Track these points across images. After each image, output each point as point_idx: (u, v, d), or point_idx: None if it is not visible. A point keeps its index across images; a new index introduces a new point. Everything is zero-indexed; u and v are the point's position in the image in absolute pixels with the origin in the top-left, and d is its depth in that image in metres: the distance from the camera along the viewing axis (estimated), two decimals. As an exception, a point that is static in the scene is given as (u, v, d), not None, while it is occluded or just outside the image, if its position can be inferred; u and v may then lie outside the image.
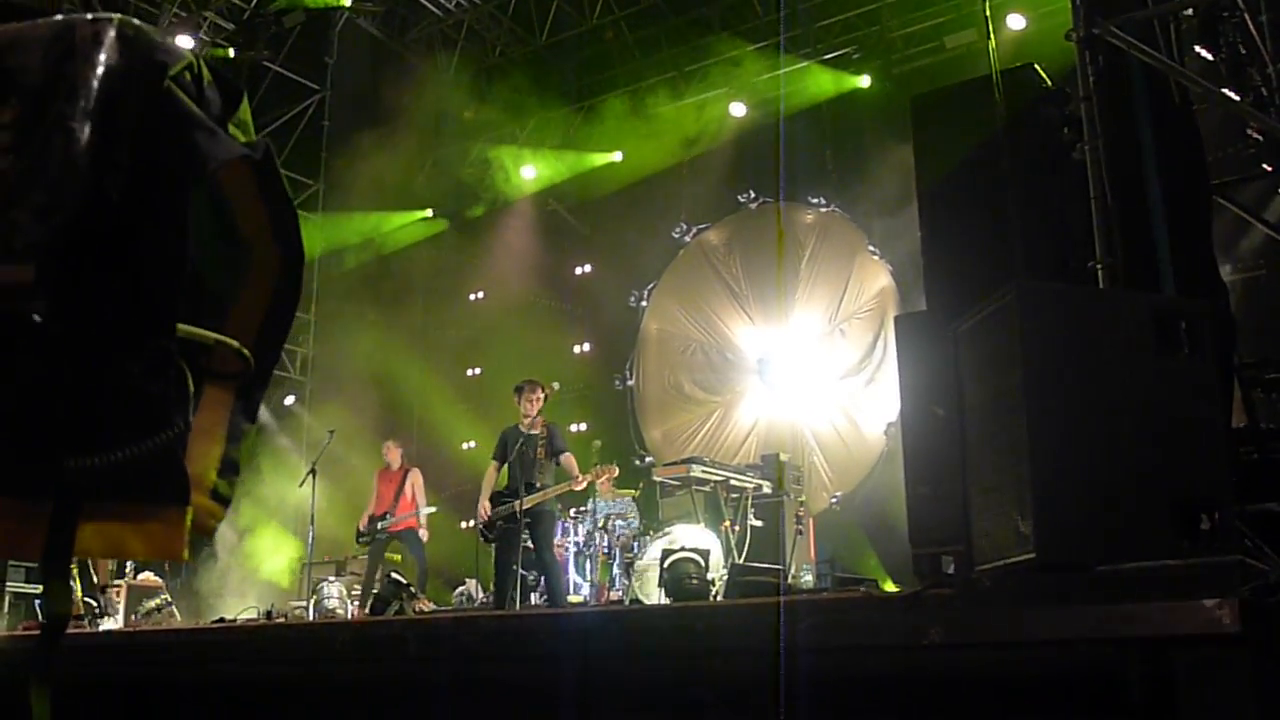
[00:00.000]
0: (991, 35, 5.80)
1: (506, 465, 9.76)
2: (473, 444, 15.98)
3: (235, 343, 1.50)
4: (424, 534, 13.28)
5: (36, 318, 1.28)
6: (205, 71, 1.47)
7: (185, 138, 1.41)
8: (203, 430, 1.47)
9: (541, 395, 9.82)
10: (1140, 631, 2.81)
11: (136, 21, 1.45)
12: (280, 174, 1.56)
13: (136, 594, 12.72)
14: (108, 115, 1.36)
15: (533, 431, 9.64)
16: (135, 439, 1.35)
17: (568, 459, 9.63)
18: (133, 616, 12.23)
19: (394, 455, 13.44)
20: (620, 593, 10.61)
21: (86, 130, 1.34)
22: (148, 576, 13.12)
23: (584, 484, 9.66)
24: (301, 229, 1.61)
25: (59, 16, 1.43)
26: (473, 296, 17.86)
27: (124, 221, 1.37)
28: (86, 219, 1.34)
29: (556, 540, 11.58)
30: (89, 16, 1.43)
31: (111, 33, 1.40)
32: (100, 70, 1.37)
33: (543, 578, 10.00)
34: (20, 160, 1.33)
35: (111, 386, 1.35)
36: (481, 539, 10.02)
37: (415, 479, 13.34)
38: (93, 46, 1.38)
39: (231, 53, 15.80)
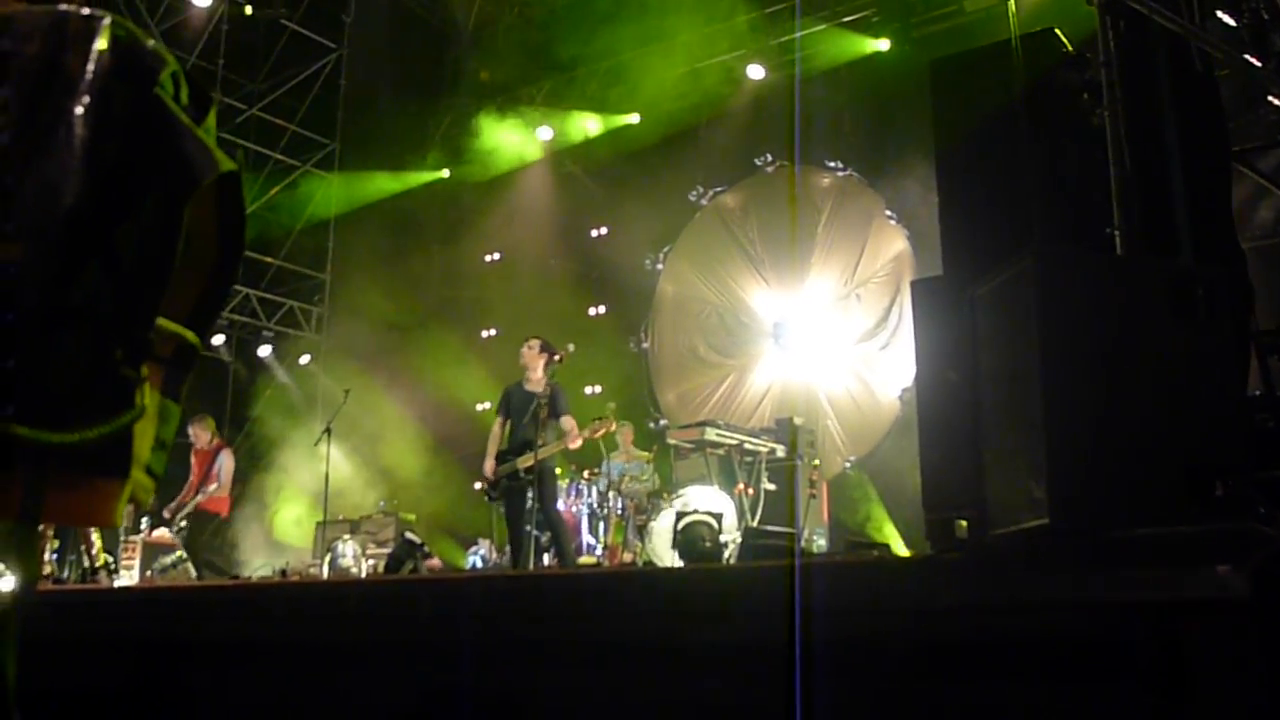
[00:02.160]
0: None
1: (510, 423, 9.76)
2: (487, 405, 16.01)
3: (191, 334, 1.56)
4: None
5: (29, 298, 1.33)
6: (183, 78, 1.51)
7: (177, 146, 1.46)
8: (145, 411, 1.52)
9: (535, 348, 9.74)
10: (1151, 597, 2.82)
11: (127, 23, 1.49)
12: (242, 185, 1.60)
13: (152, 551, 12.82)
14: (102, 114, 1.40)
15: (536, 390, 9.61)
16: (107, 418, 1.43)
17: (568, 422, 9.53)
18: (148, 573, 12.33)
19: (199, 433, 12.34)
20: (633, 554, 10.66)
21: (84, 125, 1.38)
22: (163, 534, 13.20)
23: (579, 441, 9.58)
24: (245, 235, 1.65)
25: (54, 6, 1.45)
26: (488, 258, 17.87)
27: (117, 217, 1.42)
28: (84, 210, 1.38)
29: (570, 500, 11.63)
30: (83, 11, 1.45)
31: (104, 31, 1.43)
32: (94, 67, 1.40)
33: (552, 536, 10.01)
34: (19, 143, 1.37)
35: (96, 370, 1.42)
36: (487, 498, 10.02)
37: (225, 460, 12.22)
38: (86, 42, 1.42)
39: (249, 10, 15.77)
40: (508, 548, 10.43)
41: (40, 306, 1.36)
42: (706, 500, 9.65)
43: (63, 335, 1.39)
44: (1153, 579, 2.84)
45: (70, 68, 1.41)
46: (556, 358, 9.70)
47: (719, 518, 9.13)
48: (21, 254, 1.35)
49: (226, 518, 12.40)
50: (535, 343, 9.79)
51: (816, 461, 11.25)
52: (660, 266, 16.01)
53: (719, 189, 15.72)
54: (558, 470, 10.37)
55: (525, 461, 9.31)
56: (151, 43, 1.49)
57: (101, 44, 1.43)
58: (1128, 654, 2.87)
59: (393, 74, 17.93)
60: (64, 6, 1.47)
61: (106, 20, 1.45)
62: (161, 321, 1.51)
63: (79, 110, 1.39)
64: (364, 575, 12.06)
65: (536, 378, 9.68)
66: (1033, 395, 3.51)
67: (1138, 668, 2.85)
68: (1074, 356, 3.54)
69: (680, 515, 9.20)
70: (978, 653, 3.21)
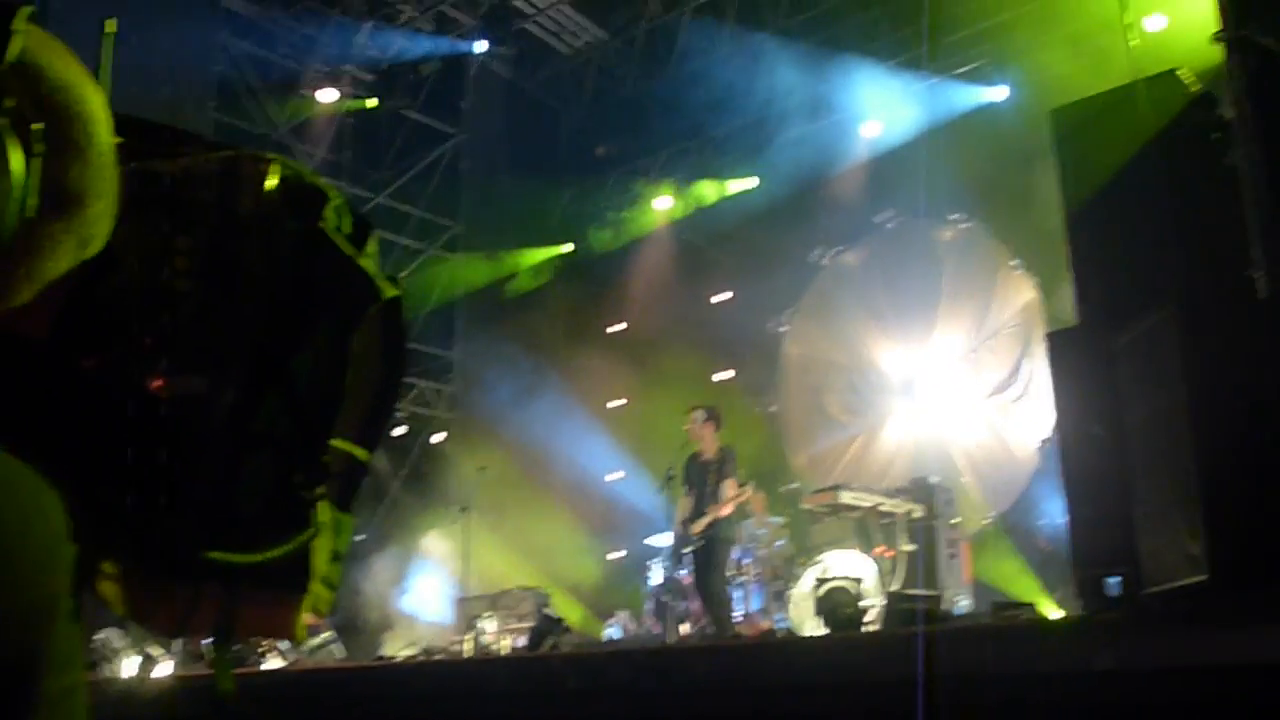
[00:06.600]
0: (1131, 41, 5.65)
1: (693, 493, 9.88)
2: (620, 474, 16.05)
3: (361, 451, 1.63)
4: None
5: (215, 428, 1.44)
6: (345, 209, 1.60)
7: (343, 277, 1.56)
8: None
9: (698, 419, 9.84)
10: (1326, 654, 2.70)
11: (293, 163, 1.60)
12: (402, 309, 1.67)
13: (301, 632, 13.04)
14: (274, 251, 1.52)
15: (706, 458, 9.72)
16: (288, 538, 1.52)
17: (725, 485, 9.64)
18: (296, 655, 12.55)
19: None
20: (772, 621, 10.55)
21: (258, 262, 1.49)
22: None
23: (727, 509, 9.63)
24: (407, 356, 1.73)
25: (225, 151, 1.56)
26: (612, 328, 18.00)
27: (292, 347, 1.52)
28: (262, 343, 1.49)
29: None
30: (252, 155, 1.55)
31: (273, 172, 1.53)
32: (264, 207, 1.50)
33: (705, 605, 10.00)
34: (202, 287, 1.48)
35: (278, 493, 1.51)
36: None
37: None
38: (257, 184, 1.52)
39: (369, 103, 16.31)
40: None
41: (226, 435, 1.45)
42: (846, 564, 9.53)
43: (247, 462, 1.48)
44: (1326, 635, 2.71)
45: (243, 209, 1.50)
46: (708, 417, 9.82)
47: (859, 582, 9.00)
48: (206, 387, 1.44)
49: None
50: (698, 413, 9.89)
51: (955, 520, 11.02)
52: (784, 329, 15.95)
53: (840, 248, 15.65)
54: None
55: (696, 528, 9.40)
56: (316, 179, 1.57)
57: (270, 184, 1.52)
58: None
59: (511, 154, 18.33)
60: (236, 152, 1.57)
61: (275, 160, 1.55)
62: (334, 441, 1.58)
63: (253, 249, 1.49)
64: (507, 652, 12.12)
65: (709, 446, 9.78)
66: (1184, 448, 3.40)
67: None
68: (1224, 405, 3.43)
69: (820, 581, 9.10)
70: (1140, 718, 3.10)
